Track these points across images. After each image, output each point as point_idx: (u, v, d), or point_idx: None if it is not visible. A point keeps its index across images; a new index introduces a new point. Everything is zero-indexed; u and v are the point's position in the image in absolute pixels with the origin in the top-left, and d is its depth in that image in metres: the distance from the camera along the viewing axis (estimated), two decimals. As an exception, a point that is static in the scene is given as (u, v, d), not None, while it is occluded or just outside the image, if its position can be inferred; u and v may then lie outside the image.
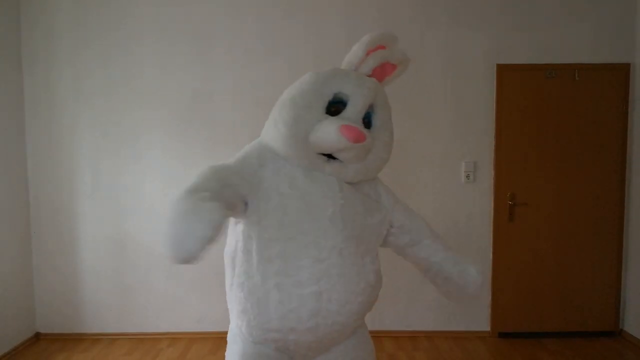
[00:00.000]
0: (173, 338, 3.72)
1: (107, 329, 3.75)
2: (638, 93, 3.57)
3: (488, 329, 3.75)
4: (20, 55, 3.63)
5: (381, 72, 1.85)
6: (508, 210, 3.65)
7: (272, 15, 3.61)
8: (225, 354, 1.80)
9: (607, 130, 3.61)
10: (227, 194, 1.53)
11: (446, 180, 3.68)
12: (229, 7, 3.61)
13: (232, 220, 1.71)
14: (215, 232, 1.34)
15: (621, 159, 3.63)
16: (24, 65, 3.64)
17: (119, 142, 3.68)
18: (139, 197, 3.69)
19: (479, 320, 3.75)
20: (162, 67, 3.64)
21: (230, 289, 1.70)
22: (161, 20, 3.62)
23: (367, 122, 1.70)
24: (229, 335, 1.83)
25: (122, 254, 3.72)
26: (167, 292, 3.74)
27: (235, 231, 1.70)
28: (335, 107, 1.65)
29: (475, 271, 1.87)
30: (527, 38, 3.60)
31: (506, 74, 3.59)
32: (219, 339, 3.69)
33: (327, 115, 1.63)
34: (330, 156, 1.64)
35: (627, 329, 3.68)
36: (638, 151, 3.58)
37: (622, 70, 3.59)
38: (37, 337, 3.75)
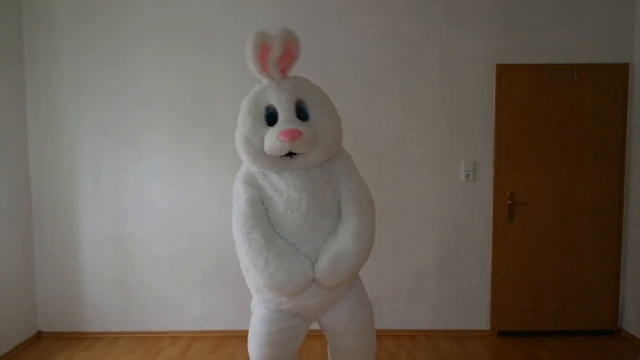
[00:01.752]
0: (174, 337, 3.74)
1: (108, 327, 3.77)
2: (636, 92, 3.59)
3: (488, 327, 3.77)
4: (22, 55, 3.65)
5: (286, 58, 2.07)
6: (507, 210, 3.66)
7: (272, 15, 3.63)
8: (250, 320, 2.24)
9: (606, 129, 3.62)
10: (262, 212, 2.06)
11: (446, 180, 3.70)
12: (230, 8, 3.63)
13: None
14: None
15: (620, 158, 3.64)
16: (25, 65, 3.66)
17: (120, 142, 3.69)
18: (139, 196, 3.71)
19: (479, 319, 3.77)
20: (163, 67, 3.65)
21: (247, 272, 2.07)
22: (162, 20, 3.63)
23: (303, 115, 2.02)
24: (251, 304, 2.27)
25: (124, 253, 3.74)
26: (168, 291, 3.76)
27: None
28: (273, 117, 2.01)
29: (322, 263, 2.00)
30: (527, 38, 3.61)
31: (505, 73, 3.60)
32: (220, 338, 3.71)
33: (268, 127, 1.99)
34: (291, 154, 1.98)
35: (625, 328, 3.70)
36: (636, 150, 3.60)
37: (620, 70, 3.60)
38: (39, 335, 3.77)
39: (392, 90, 3.65)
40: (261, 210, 2.03)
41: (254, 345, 2.18)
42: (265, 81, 2.10)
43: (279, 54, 2.01)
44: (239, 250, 2.03)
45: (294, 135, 1.88)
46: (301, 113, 2.02)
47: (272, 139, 1.93)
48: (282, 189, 2.02)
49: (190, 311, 3.78)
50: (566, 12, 3.60)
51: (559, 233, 3.67)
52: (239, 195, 2.08)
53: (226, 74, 3.65)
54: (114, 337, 3.74)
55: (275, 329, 2.11)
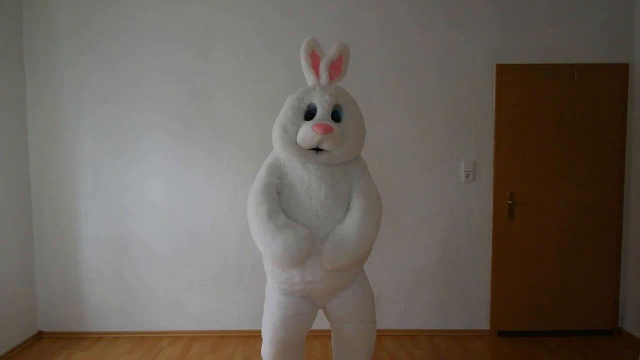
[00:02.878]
0: (174, 337, 3.75)
1: (108, 327, 3.77)
2: (637, 92, 3.59)
3: (488, 327, 3.77)
4: (22, 55, 3.65)
5: (335, 68, 2.39)
6: (507, 210, 3.66)
7: (272, 15, 3.63)
8: (264, 304, 2.41)
9: (606, 129, 3.62)
10: (274, 194, 2.28)
11: (446, 180, 3.70)
12: (230, 8, 3.63)
13: None
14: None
15: (620, 158, 3.64)
16: (26, 66, 3.66)
17: (120, 142, 3.69)
18: (140, 196, 3.71)
19: (479, 319, 3.77)
20: (163, 67, 3.65)
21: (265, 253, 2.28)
22: (162, 21, 3.64)
23: (337, 118, 2.32)
24: (266, 289, 2.46)
25: (124, 253, 3.74)
26: (168, 291, 3.76)
27: None
28: (311, 114, 2.29)
29: (327, 246, 2.19)
30: (527, 38, 3.61)
31: (505, 73, 3.61)
32: (220, 338, 3.72)
33: (305, 121, 2.28)
34: (318, 149, 2.25)
35: (625, 328, 3.70)
36: (637, 150, 3.60)
37: (620, 70, 3.60)
38: (39, 335, 3.77)
39: (392, 90, 3.65)
40: (272, 190, 2.26)
41: (270, 327, 2.34)
42: (311, 83, 2.39)
43: (333, 59, 2.35)
44: (250, 225, 2.24)
45: (326, 129, 2.15)
46: (335, 115, 2.31)
47: (306, 129, 2.20)
48: (305, 178, 2.25)
49: (190, 311, 3.78)
50: (566, 12, 3.61)
51: (559, 233, 3.67)
52: (259, 178, 2.31)
53: (226, 74, 3.65)
54: (114, 337, 3.74)
55: (291, 314, 2.30)
